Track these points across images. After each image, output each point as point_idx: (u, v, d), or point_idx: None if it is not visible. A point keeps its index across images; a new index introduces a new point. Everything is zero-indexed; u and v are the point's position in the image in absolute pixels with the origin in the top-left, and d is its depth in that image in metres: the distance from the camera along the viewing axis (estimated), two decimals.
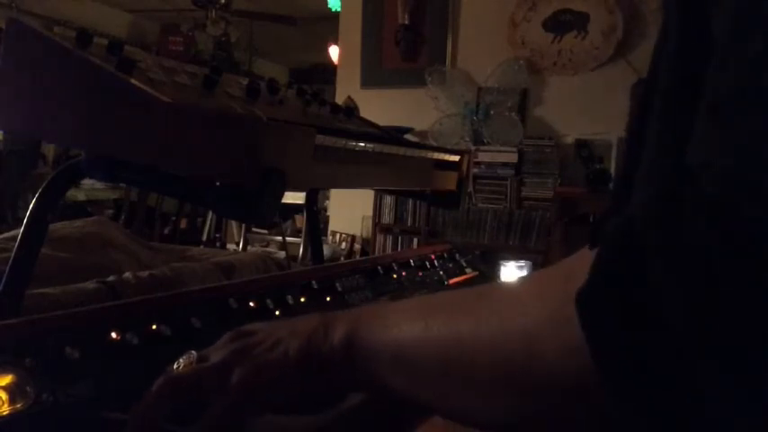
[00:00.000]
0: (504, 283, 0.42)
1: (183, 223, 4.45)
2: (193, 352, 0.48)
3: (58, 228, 1.32)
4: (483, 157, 3.76)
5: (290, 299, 0.72)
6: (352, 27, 4.24)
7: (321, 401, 0.49)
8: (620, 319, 0.29)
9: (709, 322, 0.27)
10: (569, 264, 0.40)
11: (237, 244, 4.20)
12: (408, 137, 3.30)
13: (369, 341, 0.44)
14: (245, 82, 0.82)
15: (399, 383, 0.43)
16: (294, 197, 2.70)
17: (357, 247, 4.12)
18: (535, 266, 3.54)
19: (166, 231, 4.41)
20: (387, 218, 3.95)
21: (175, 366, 0.48)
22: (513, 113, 3.77)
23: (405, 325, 0.43)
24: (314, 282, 0.78)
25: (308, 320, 0.49)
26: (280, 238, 4.02)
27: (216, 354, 0.48)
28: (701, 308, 0.27)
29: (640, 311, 0.29)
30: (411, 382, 0.42)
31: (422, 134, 3.88)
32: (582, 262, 0.34)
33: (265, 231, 4.41)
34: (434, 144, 3.56)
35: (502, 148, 3.75)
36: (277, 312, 0.69)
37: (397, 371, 0.43)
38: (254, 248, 4.12)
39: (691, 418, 0.28)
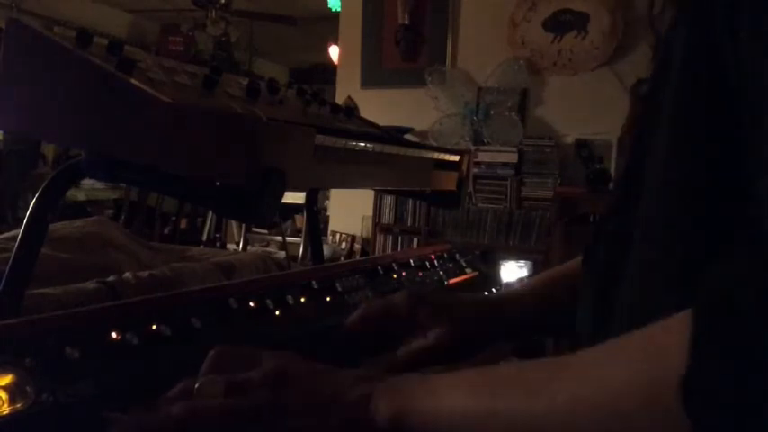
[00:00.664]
0: (573, 356, 0.37)
1: (183, 223, 4.45)
2: (219, 378, 0.46)
3: (58, 228, 1.32)
4: (483, 157, 3.76)
5: (290, 299, 0.72)
6: (352, 27, 4.24)
7: None
8: (738, 419, 0.27)
9: None
10: (643, 330, 0.37)
11: (237, 244, 4.20)
12: (408, 137, 3.30)
13: (420, 425, 0.41)
14: (245, 82, 0.82)
15: None
16: (294, 197, 2.70)
17: (357, 247, 4.12)
18: (535, 266, 3.55)
19: (166, 231, 4.41)
20: (387, 218, 3.95)
21: (196, 386, 0.46)
22: (513, 113, 3.77)
23: (462, 404, 0.40)
24: (314, 282, 0.78)
25: (352, 384, 0.46)
26: (280, 238, 4.02)
27: (252, 391, 0.45)
28: None
29: (753, 410, 0.26)
30: None
31: (422, 134, 3.88)
32: (665, 334, 0.31)
33: (265, 231, 4.41)
34: (434, 144, 3.56)
35: (502, 148, 3.75)
36: (277, 312, 0.69)
37: None
38: (254, 248, 4.13)
39: None
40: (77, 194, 4.25)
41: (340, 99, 4.03)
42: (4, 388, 0.43)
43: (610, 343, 0.36)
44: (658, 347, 0.32)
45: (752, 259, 0.29)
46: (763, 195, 0.30)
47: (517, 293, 0.77)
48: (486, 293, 1.01)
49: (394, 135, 1.21)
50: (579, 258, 0.74)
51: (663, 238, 0.42)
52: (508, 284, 1.22)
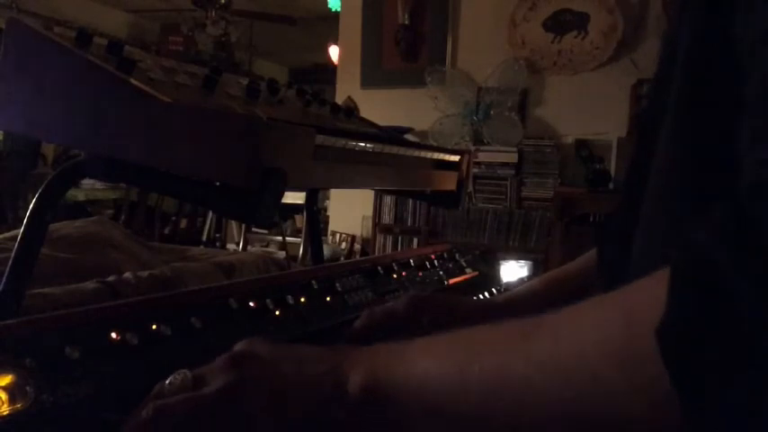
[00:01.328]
0: (547, 315, 0.37)
1: (183, 223, 4.45)
2: (187, 372, 0.46)
3: (58, 228, 1.32)
4: (483, 157, 3.76)
5: (290, 299, 0.72)
6: (352, 27, 4.24)
7: None
8: (712, 358, 0.27)
9: None
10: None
11: (237, 244, 4.20)
12: (408, 137, 3.30)
13: (393, 389, 0.40)
14: (245, 82, 0.82)
15: (430, 430, 0.39)
16: (294, 197, 2.70)
17: (357, 247, 4.12)
18: (535, 266, 3.55)
19: (166, 231, 4.41)
20: (387, 218, 3.95)
21: (167, 385, 0.46)
22: (513, 113, 3.77)
23: (438, 367, 0.39)
24: (314, 282, 0.78)
25: (316, 357, 0.45)
26: (280, 238, 4.02)
27: (213, 378, 0.45)
28: None
29: (734, 350, 0.27)
30: (445, 430, 0.39)
31: (422, 134, 3.88)
32: (637, 295, 0.32)
33: (265, 231, 4.41)
34: (434, 144, 3.56)
35: (502, 148, 3.75)
36: (277, 312, 0.69)
37: (427, 418, 0.39)
38: (254, 248, 4.13)
39: None
40: (77, 194, 4.25)
41: (340, 99, 4.03)
42: (4, 388, 0.43)
43: (582, 303, 0.36)
44: (632, 303, 0.32)
45: (728, 213, 0.29)
46: (743, 148, 0.30)
47: (519, 296, 0.77)
48: (488, 296, 1.01)
49: (394, 135, 1.21)
50: (580, 259, 0.74)
51: (665, 235, 0.41)
52: (508, 284, 1.22)
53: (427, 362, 0.40)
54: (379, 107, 3.89)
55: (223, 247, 4.41)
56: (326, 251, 3.28)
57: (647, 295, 0.30)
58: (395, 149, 0.89)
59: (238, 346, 0.48)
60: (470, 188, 3.72)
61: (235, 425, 0.43)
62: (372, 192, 3.67)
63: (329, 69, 5.75)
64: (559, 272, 0.77)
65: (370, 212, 3.95)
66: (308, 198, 1.34)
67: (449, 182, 1.07)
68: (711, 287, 0.28)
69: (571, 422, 0.33)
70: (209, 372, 0.46)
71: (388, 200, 3.93)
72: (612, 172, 3.46)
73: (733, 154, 0.31)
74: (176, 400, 0.44)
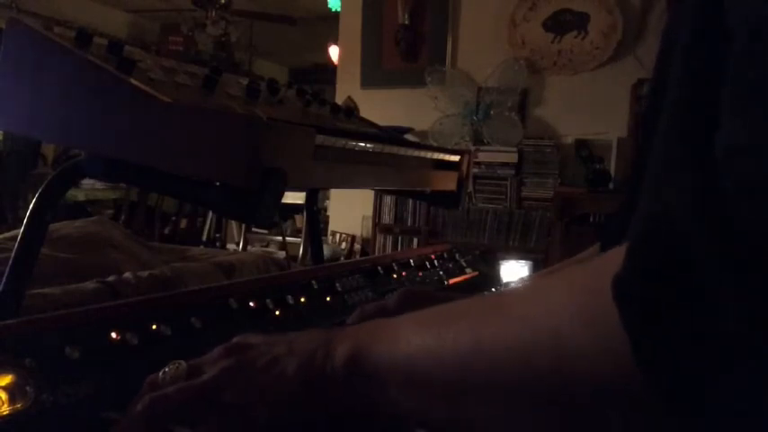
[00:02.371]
0: (519, 285, 0.38)
1: (183, 223, 4.45)
2: (182, 362, 0.46)
3: (58, 228, 1.32)
4: (483, 157, 3.76)
5: (290, 299, 0.72)
6: (352, 27, 4.24)
7: (320, 425, 0.44)
8: (665, 308, 0.28)
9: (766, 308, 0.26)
10: (588, 260, 0.39)
11: (237, 244, 4.20)
12: (408, 137, 3.30)
13: (375, 358, 0.41)
14: (245, 82, 0.82)
15: (412, 403, 0.39)
16: (294, 197, 2.70)
17: (357, 247, 4.12)
18: (535, 266, 3.55)
19: (166, 231, 4.41)
20: (387, 218, 3.95)
21: (161, 375, 0.46)
22: (513, 113, 3.77)
23: (415, 337, 0.40)
24: (314, 282, 0.78)
25: (307, 338, 0.46)
26: (280, 238, 4.02)
27: (208, 367, 0.45)
28: (759, 293, 0.26)
29: (688, 300, 0.27)
30: (426, 400, 0.39)
31: (422, 134, 3.88)
32: (605, 258, 0.33)
33: (265, 231, 4.41)
34: (434, 144, 3.56)
35: (502, 148, 3.75)
36: (277, 312, 0.69)
37: (408, 389, 0.39)
38: (254, 248, 4.13)
39: (749, 414, 0.27)
40: (77, 194, 4.24)
41: (340, 99, 4.03)
42: (4, 388, 0.43)
43: (552, 272, 0.38)
44: (596, 268, 0.33)
45: (696, 180, 0.30)
46: (721, 134, 0.31)
47: None
48: (484, 293, 1.01)
49: (394, 135, 1.21)
50: (580, 255, 0.74)
51: None
52: (508, 285, 1.22)
53: (408, 333, 0.41)
54: (379, 107, 3.89)
55: (223, 247, 4.41)
56: (326, 251, 3.28)
57: (613, 258, 0.31)
58: (395, 149, 0.89)
59: (233, 339, 0.49)
60: (470, 188, 3.72)
61: (230, 411, 0.43)
62: (372, 192, 3.67)
63: (329, 69, 5.75)
64: (556, 269, 0.77)
65: (370, 212, 3.95)
66: (308, 198, 1.34)
67: (449, 182, 1.07)
68: (666, 244, 0.29)
69: (543, 383, 0.34)
70: (205, 362, 0.46)
71: (388, 200, 3.93)
72: (612, 172, 3.46)
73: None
74: (172, 389, 0.44)
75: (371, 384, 0.41)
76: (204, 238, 4.47)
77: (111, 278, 1.10)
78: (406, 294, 0.68)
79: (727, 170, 0.28)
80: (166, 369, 0.46)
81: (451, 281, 1.07)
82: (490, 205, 3.76)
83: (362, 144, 0.79)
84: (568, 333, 0.32)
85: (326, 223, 4.32)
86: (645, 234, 0.30)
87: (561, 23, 3.73)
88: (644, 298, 0.29)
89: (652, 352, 0.28)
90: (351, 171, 0.81)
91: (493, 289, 1.15)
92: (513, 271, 3.40)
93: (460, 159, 1.07)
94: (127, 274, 1.14)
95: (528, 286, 0.38)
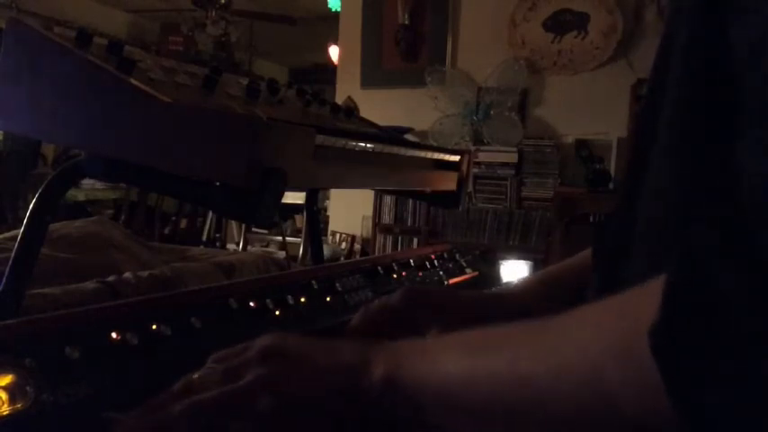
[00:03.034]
0: (557, 316, 0.38)
1: (183, 223, 4.45)
2: (216, 366, 0.47)
3: (58, 228, 1.32)
4: (483, 157, 3.75)
5: (290, 299, 0.72)
6: (352, 27, 4.24)
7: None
8: (705, 363, 0.28)
9: None
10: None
11: (237, 244, 4.20)
12: (408, 137, 3.30)
13: (412, 382, 0.42)
14: (245, 82, 0.82)
15: (446, 423, 0.41)
16: (294, 197, 2.70)
17: (357, 247, 4.12)
18: (535, 266, 3.54)
19: (166, 231, 4.41)
20: (387, 218, 3.95)
21: (196, 378, 0.47)
22: (513, 113, 3.77)
23: (451, 363, 0.41)
24: (314, 282, 0.78)
25: (346, 351, 0.46)
26: (280, 238, 4.02)
27: (244, 371, 0.46)
28: None
29: (727, 351, 0.27)
30: (459, 423, 0.40)
31: (422, 134, 3.88)
32: (642, 294, 0.32)
33: (265, 231, 4.41)
34: (434, 144, 3.56)
35: (502, 148, 3.75)
36: (277, 312, 0.69)
37: (444, 412, 0.41)
38: (254, 248, 4.13)
39: None
40: (77, 194, 4.24)
41: (340, 99, 4.03)
42: (4, 388, 0.43)
43: (591, 304, 0.37)
44: (633, 304, 0.33)
45: (727, 222, 0.29)
46: (744, 164, 0.31)
47: (517, 291, 0.77)
48: (485, 291, 1.01)
49: (394, 135, 1.21)
50: (579, 255, 0.74)
51: (665, 237, 0.42)
52: (508, 284, 1.22)
53: (444, 357, 0.42)
54: (379, 107, 3.89)
55: (223, 247, 4.41)
56: (326, 251, 3.28)
57: (648, 297, 0.31)
58: (395, 149, 0.89)
59: (265, 340, 0.48)
60: (470, 188, 3.72)
61: (268, 417, 0.43)
62: (372, 192, 3.67)
63: (329, 69, 5.75)
64: (556, 268, 0.77)
65: (370, 212, 3.95)
66: (308, 198, 1.34)
67: (449, 182, 1.07)
68: (703, 292, 0.28)
69: (574, 418, 0.34)
70: (241, 366, 0.46)
71: (388, 200, 3.93)
72: (612, 172, 3.45)
73: (733, 155, 0.31)
74: (211, 395, 0.44)
75: (407, 404, 0.42)
76: (204, 238, 4.47)
77: (111, 278, 1.10)
78: (410, 293, 0.68)
79: (756, 208, 0.28)
80: (201, 373, 0.47)
81: (451, 281, 1.07)
82: (490, 205, 3.75)
83: (362, 144, 0.79)
84: (607, 374, 0.32)
85: (326, 223, 4.32)
86: (678, 280, 0.30)
87: (561, 23, 3.73)
88: (681, 351, 0.29)
89: (692, 406, 0.28)
90: (351, 171, 0.81)
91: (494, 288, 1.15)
92: (513, 271, 3.40)
93: (460, 159, 1.07)
94: (127, 274, 1.14)
95: (566, 319, 0.38)
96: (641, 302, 0.32)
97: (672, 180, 0.42)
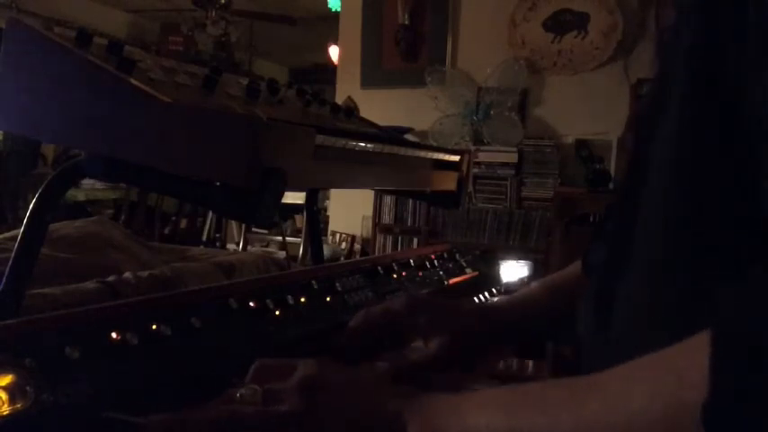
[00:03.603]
0: (595, 377, 0.37)
1: (183, 223, 4.45)
2: (258, 387, 0.48)
3: (58, 228, 1.32)
4: (483, 157, 3.76)
5: (290, 299, 0.72)
6: (352, 27, 4.24)
7: None
8: None
9: None
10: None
11: (237, 244, 4.20)
12: (408, 137, 3.30)
13: None
14: (245, 82, 0.82)
15: None
16: (294, 197, 2.70)
17: (357, 247, 4.12)
18: (535, 266, 3.54)
19: (166, 231, 4.41)
20: (387, 218, 3.95)
21: (237, 396, 0.48)
22: (513, 113, 3.77)
23: (492, 426, 0.41)
24: (314, 282, 0.78)
25: (384, 399, 0.47)
26: (280, 238, 4.02)
27: (285, 398, 0.47)
28: None
29: None
30: None
31: (422, 134, 3.88)
32: (687, 354, 0.32)
33: (265, 231, 4.41)
34: (434, 144, 3.56)
35: (502, 148, 3.75)
36: (277, 312, 0.69)
37: None
38: (254, 248, 4.12)
39: None
40: (77, 194, 4.24)
41: (340, 99, 4.03)
42: (4, 388, 0.43)
43: (630, 365, 0.36)
44: (678, 372, 0.32)
45: (763, 279, 0.29)
46: None
47: (517, 301, 0.77)
48: (486, 300, 1.01)
49: (394, 135, 1.21)
50: (579, 262, 0.74)
51: (666, 239, 0.41)
52: (508, 284, 1.22)
53: (479, 416, 0.42)
54: (379, 107, 3.89)
55: (223, 247, 4.41)
56: (326, 251, 3.28)
57: (693, 361, 0.30)
58: (395, 149, 0.89)
59: (307, 368, 0.49)
60: (470, 188, 3.72)
61: None
62: (372, 192, 3.67)
63: (329, 69, 5.75)
64: (557, 276, 0.77)
65: (370, 212, 3.95)
66: (308, 198, 1.34)
67: (449, 182, 1.07)
68: (756, 365, 0.28)
69: None
70: (281, 391, 0.48)
71: (388, 200, 3.93)
72: (612, 172, 3.45)
73: (740, 159, 0.31)
74: (250, 410, 0.46)
75: None
76: (204, 238, 4.47)
77: (111, 278, 1.10)
78: (414, 300, 0.69)
79: None
80: (243, 391, 0.48)
81: (451, 281, 1.07)
82: (490, 205, 3.75)
83: (362, 144, 0.79)
84: None
85: (326, 223, 4.32)
86: (725, 351, 0.29)
87: (561, 23, 3.73)
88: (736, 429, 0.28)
89: None
90: (351, 171, 0.81)
91: (494, 290, 1.15)
92: (513, 271, 3.40)
93: (460, 159, 1.07)
94: (127, 274, 1.14)
95: (601, 381, 0.37)
96: (686, 366, 0.31)
97: (676, 183, 0.41)
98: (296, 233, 4.76)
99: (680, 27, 0.43)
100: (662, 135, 0.43)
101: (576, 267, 0.75)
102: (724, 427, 0.28)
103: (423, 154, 0.98)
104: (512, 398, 0.42)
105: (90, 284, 1.05)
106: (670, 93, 0.42)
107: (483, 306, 0.77)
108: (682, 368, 0.32)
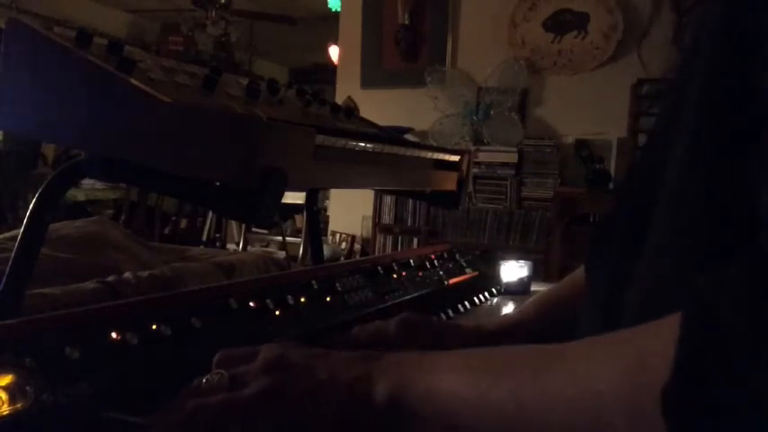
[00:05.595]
0: (564, 347, 0.38)
1: (183, 223, 4.45)
2: (224, 372, 0.48)
3: (58, 228, 1.32)
4: (483, 157, 3.76)
5: (290, 299, 0.72)
6: (352, 27, 4.24)
7: None
8: (713, 425, 0.27)
9: None
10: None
11: (237, 244, 4.20)
12: (408, 137, 3.30)
13: (416, 401, 0.42)
14: (245, 82, 0.82)
15: None
16: (294, 197, 2.70)
17: (357, 247, 4.12)
18: (535, 266, 3.52)
19: (166, 231, 4.41)
20: (387, 218, 3.95)
21: (203, 383, 0.47)
22: (513, 113, 3.77)
23: (459, 387, 0.41)
24: (314, 282, 0.78)
25: (349, 365, 0.46)
26: (280, 238, 4.01)
27: (250, 378, 0.46)
28: None
29: (735, 417, 0.27)
30: None
31: (422, 134, 3.88)
32: (653, 335, 0.32)
33: (265, 231, 4.41)
34: (434, 144, 3.56)
35: (502, 148, 3.75)
36: (277, 312, 0.69)
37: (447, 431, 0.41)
38: (254, 248, 4.12)
39: None
40: (77, 194, 4.24)
41: (340, 99, 4.03)
42: (4, 388, 0.43)
43: (599, 339, 0.36)
44: (645, 351, 0.32)
45: (743, 274, 0.29)
46: (763, 211, 0.30)
47: (512, 322, 0.77)
48: (482, 322, 1.00)
49: (394, 135, 1.21)
50: (571, 276, 0.74)
51: (679, 239, 0.40)
52: (508, 284, 1.22)
53: (450, 379, 0.41)
54: (379, 107, 3.89)
55: (223, 247, 4.41)
56: (326, 251, 3.28)
57: (659, 343, 0.30)
58: (395, 149, 0.89)
59: (271, 350, 0.49)
60: (470, 188, 3.72)
61: (269, 427, 0.44)
62: (372, 192, 3.67)
63: (329, 69, 5.75)
64: (550, 294, 0.77)
65: (370, 212, 3.95)
66: (308, 198, 1.34)
67: (449, 182, 1.07)
68: (720, 351, 0.28)
69: None
70: (246, 373, 0.47)
71: (388, 200, 3.93)
72: (612, 172, 3.46)
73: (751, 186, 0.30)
74: (215, 400, 0.45)
75: (410, 423, 0.42)
76: (204, 238, 4.47)
77: (111, 278, 1.10)
78: (407, 323, 0.68)
79: None
80: (208, 377, 0.48)
81: (451, 281, 1.07)
82: (490, 205, 3.76)
83: (362, 144, 0.79)
84: (611, 420, 0.32)
85: (326, 223, 4.32)
86: (692, 338, 0.29)
87: (561, 23, 3.74)
88: (694, 418, 0.28)
89: None
90: (351, 171, 0.81)
91: (494, 290, 1.15)
92: (513, 271, 3.39)
93: (460, 159, 1.07)
94: (127, 274, 1.14)
95: (569, 354, 0.38)
96: (654, 347, 0.31)
97: (691, 196, 0.40)
98: (296, 233, 4.76)
99: (705, 9, 0.42)
100: (679, 136, 0.42)
101: (567, 284, 0.74)
102: (681, 411, 0.28)
103: (423, 154, 0.98)
104: (483, 363, 0.42)
105: (90, 284, 1.05)
106: (684, 104, 0.41)
107: (477, 327, 0.76)
108: (648, 349, 0.32)
